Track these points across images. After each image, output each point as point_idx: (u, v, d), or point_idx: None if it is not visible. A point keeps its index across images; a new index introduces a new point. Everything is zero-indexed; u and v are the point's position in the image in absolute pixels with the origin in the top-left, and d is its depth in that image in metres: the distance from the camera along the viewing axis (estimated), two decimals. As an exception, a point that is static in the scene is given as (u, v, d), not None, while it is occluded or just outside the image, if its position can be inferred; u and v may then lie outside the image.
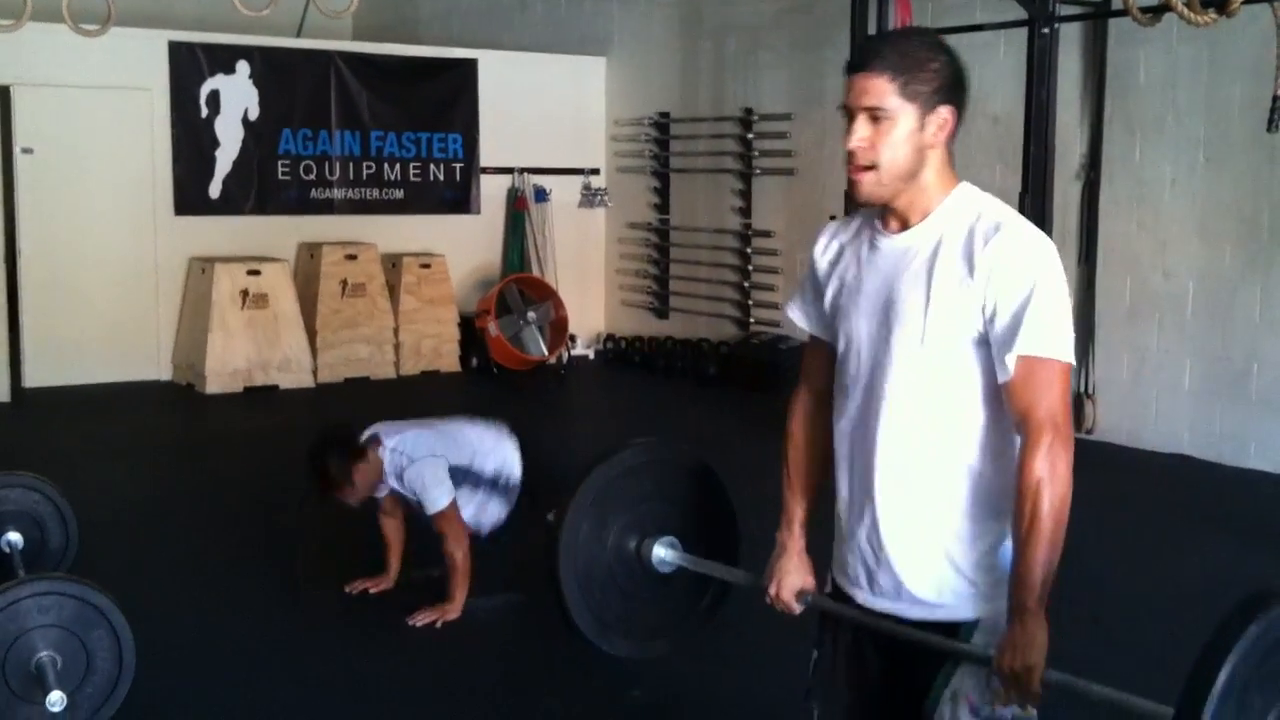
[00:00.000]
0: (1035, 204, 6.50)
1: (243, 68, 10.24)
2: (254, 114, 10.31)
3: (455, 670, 4.58)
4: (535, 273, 11.15)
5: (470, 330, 10.60)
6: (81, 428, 8.51)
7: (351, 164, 10.79)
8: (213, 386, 9.57)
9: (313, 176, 10.63)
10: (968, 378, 2.22)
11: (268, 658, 4.64)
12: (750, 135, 10.28)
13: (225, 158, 10.24)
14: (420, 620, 4.82)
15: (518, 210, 11.34)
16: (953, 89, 2.23)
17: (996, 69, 8.34)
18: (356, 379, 10.24)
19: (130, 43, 9.44)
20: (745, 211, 10.42)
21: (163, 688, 4.10)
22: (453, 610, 4.86)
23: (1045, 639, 2.14)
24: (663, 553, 2.80)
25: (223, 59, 10.16)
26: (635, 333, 11.38)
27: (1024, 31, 6.59)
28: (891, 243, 2.29)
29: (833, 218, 7.46)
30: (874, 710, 2.43)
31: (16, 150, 9.41)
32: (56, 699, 3.47)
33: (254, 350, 9.74)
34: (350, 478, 4.72)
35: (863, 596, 2.37)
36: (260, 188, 10.39)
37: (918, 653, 2.31)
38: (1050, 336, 2.14)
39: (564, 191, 11.58)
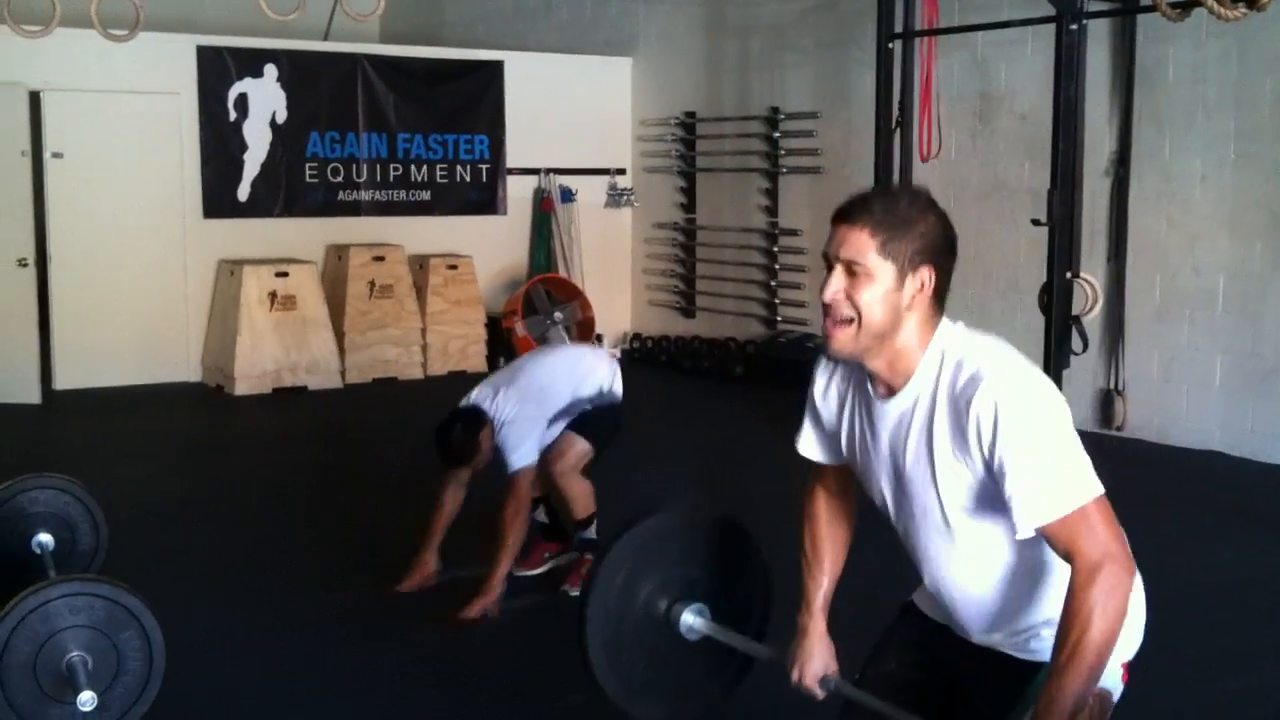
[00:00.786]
0: (1064, 201, 6.46)
1: (270, 71, 10.29)
2: (281, 117, 10.36)
3: (479, 666, 4.59)
4: (562, 273, 11.16)
5: (497, 330, 10.61)
6: (111, 429, 8.57)
7: (379, 166, 10.82)
8: (241, 388, 9.62)
9: (340, 179, 10.67)
10: (997, 522, 2.18)
11: (293, 654, 4.66)
12: (776, 134, 10.26)
13: (253, 161, 10.30)
14: (474, 612, 4.82)
15: (544, 211, 11.35)
16: (937, 251, 2.17)
17: (1024, 66, 8.31)
18: (384, 380, 10.28)
19: (159, 47, 9.49)
20: (771, 210, 10.40)
21: (191, 685, 4.12)
22: (495, 584, 4.88)
23: None
24: (691, 620, 2.80)
25: (250, 62, 10.21)
26: (662, 332, 11.37)
27: (1052, 28, 6.54)
28: (884, 409, 2.24)
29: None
30: None
31: (47, 155, 9.48)
32: (87, 699, 3.48)
33: (282, 352, 9.79)
34: (478, 446, 4.97)
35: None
36: (288, 190, 10.43)
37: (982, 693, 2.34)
38: (1063, 494, 2.06)
39: (590, 192, 11.59)
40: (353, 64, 10.67)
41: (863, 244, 2.15)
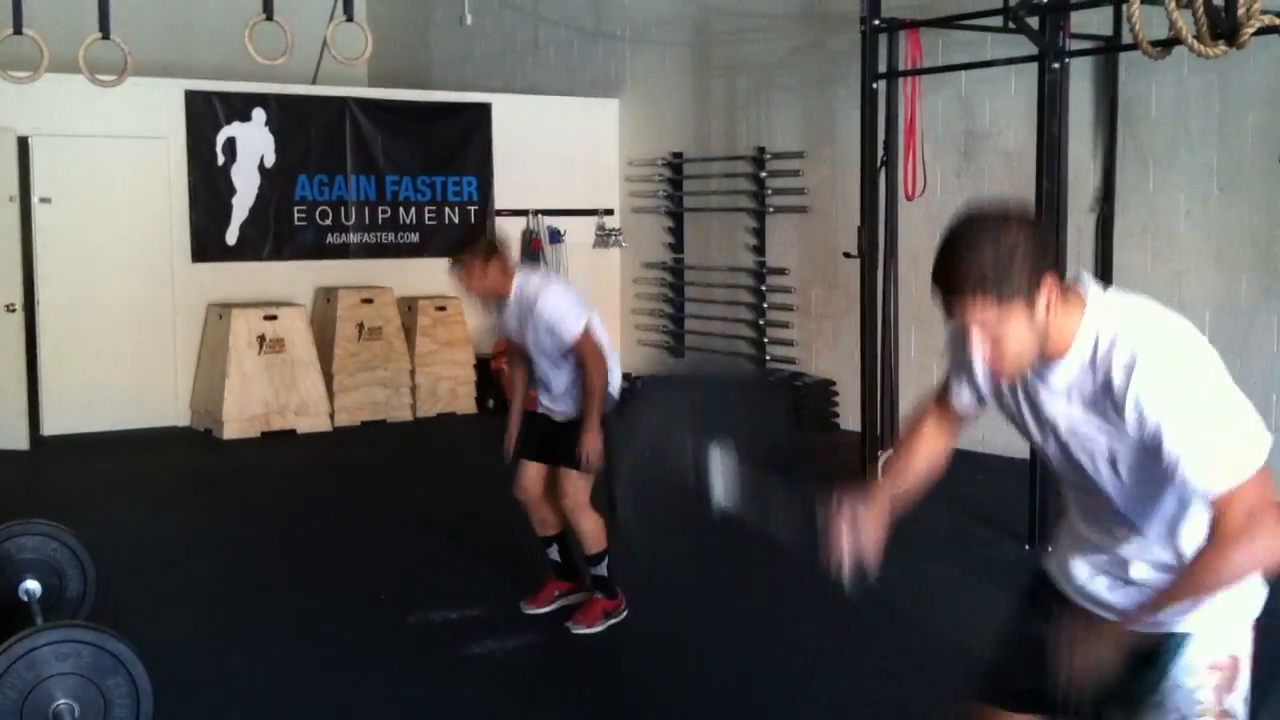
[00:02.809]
0: (1049, 237, 6.50)
1: (258, 115, 10.32)
2: (270, 160, 10.39)
3: (475, 705, 4.57)
4: (551, 313, 11.15)
5: (486, 372, 10.62)
6: (100, 474, 8.53)
7: (367, 208, 10.85)
8: (230, 432, 9.60)
9: (329, 221, 10.69)
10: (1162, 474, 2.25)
11: (287, 695, 4.63)
12: (763, 173, 10.31)
13: (242, 204, 10.31)
14: (585, 452, 4.92)
15: (533, 251, 11.38)
16: (1041, 260, 2.20)
17: (1008, 104, 8.37)
18: (373, 422, 10.26)
19: (147, 92, 9.53)
20: (759, 249, 10.44)
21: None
22: (593, 436, 4.95)
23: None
24: (719, 457, 2.68)
25: (239, 107, 10.25)
26: (652, 371, 11.37)
27: (1034, 66, 6.60)
28: (1043, 386, 2.33)
29: (847, 255, 7.48)
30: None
31: (35, 200, 9.49)
32: (74, 747, 3.47)
33: (271, 395, 9.77)
34: (486, 261, 5.05)
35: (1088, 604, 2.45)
36: (277, 233, 10.45)
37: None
38: (1219, 470, 2.13)
39: (579, 232, 11.62)
40: (341, 107, 10.72)
41: (983, 308, 2.18)
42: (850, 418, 9.06)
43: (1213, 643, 2.33)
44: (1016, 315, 2.18)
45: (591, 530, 5.14)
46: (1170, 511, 2.31)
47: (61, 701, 3.55)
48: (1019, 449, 5.53)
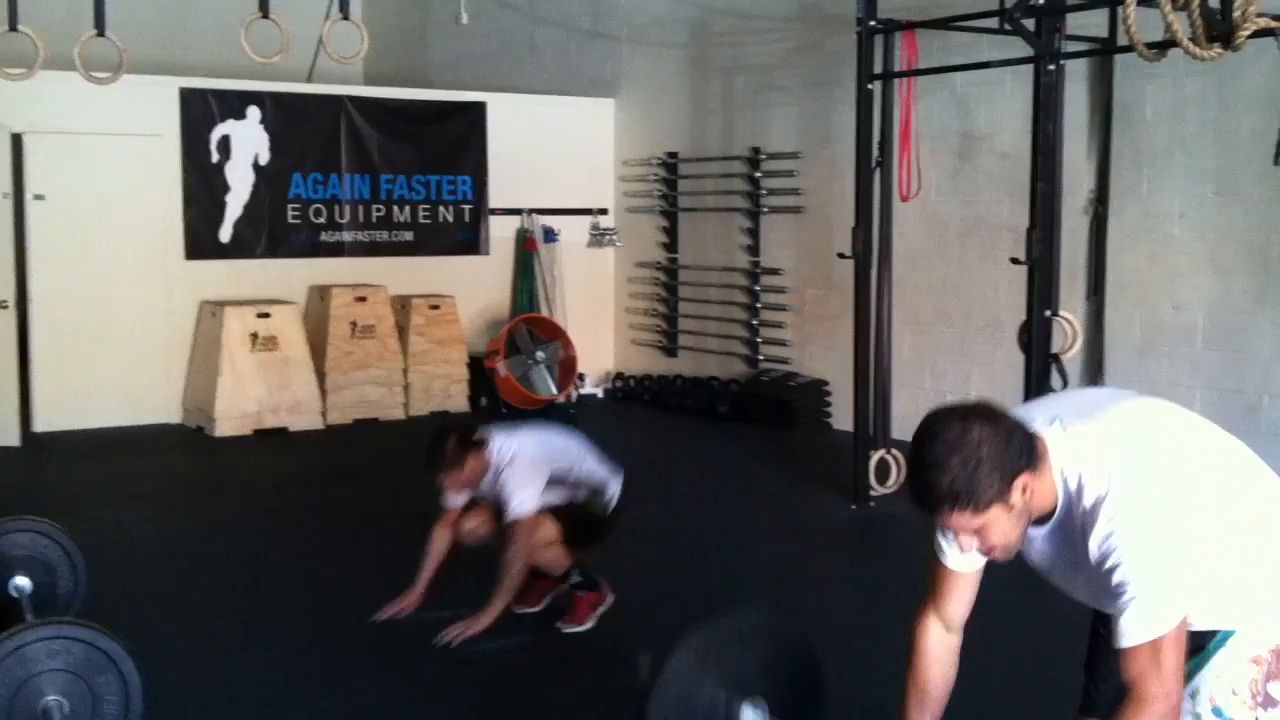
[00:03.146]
0: (1043, 239, 6.49)
1: (253, 113, 10.31)
2: (265, 158, 10.37)
3: (473, 705, 4.56)
4: (544, 313, 11.16)
5: (479, 370, 10.60)
6: (92, 472, 8.52)
7: (361, 207, 10.83)
8: (223, 429, 9.57)
9: (323, 219, 10.67)
10: None
11: (280, 698, 4.62)
12: (758, 174, 10.31)
13: (236, 202, 10.29)
14: (451, 635, 4.88)
15: (527, 251, 11.37)
16: (1012, 462, 2.26)
17: (1004, 105, 8.37)
18: (366, 420, 10.25)
19: (142, 90, 9.50)
20: (754, 250, 10.44)
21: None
22: (484, 619, 4.92)
23: None
24: (749, 716, 2.92)
25: (234, 104, 10.23)
26: (645, 371, 11.38)
27: (1030, 68, 6.60)
28: (1039, 534, 2.44)
29: (842, 255, 7.48)
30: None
31: (28, 197, 9.47)
32: (64, 744, 3.45)
33: (264, 393, 9.75)
34: (462, 461, 4.95)
35: None
36: (271, 231, 10.43)
37: None
38: (1146, 621, 2.22)
39: (573, 232, 11.61)
40: (336, 105, 10.70)
41: (965, 519, 2.28)
42: (843, 417, 9.06)
43: (1256, 637, 2.40)
44: (998, 514, 2.27)
45: (552, 559, 5.17)
46: None
47: (51, 698, 3.53)
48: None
